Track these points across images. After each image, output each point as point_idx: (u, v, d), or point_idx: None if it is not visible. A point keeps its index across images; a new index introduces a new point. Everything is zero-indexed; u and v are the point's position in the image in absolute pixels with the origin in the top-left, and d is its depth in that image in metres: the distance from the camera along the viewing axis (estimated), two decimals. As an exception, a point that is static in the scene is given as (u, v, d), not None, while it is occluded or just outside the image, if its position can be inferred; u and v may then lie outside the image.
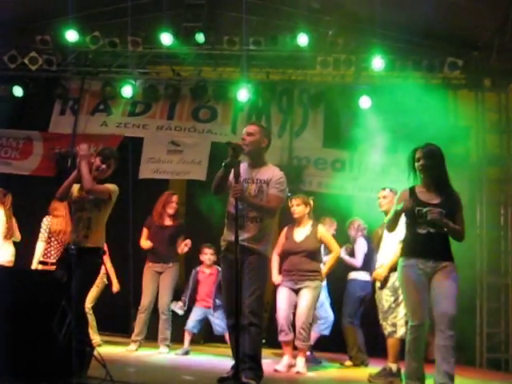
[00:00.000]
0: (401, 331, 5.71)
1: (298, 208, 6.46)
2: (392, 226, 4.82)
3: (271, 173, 4.85)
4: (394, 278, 5.71)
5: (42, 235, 7.22)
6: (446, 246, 4.61)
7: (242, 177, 4.68)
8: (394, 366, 5.78)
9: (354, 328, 7.22)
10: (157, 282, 7.26)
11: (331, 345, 7.86)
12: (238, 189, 4.51)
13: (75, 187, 5.08)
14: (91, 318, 7.01)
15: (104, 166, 5.13)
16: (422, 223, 4.55)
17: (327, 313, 7.39)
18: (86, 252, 4.90)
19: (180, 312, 7.50)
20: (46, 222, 7.27)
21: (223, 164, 4.67)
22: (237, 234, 4.31)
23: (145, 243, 7.36)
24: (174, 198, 7.49)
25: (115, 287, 7.60)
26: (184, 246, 7.25)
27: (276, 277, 6.40)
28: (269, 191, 4.77)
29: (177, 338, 7.47)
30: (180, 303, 7.51)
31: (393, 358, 5.80)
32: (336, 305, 7.50)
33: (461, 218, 4.65)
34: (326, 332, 7.30)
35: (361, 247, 7.35)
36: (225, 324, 7.11)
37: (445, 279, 4.49)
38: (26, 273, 5.15)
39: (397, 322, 5.79)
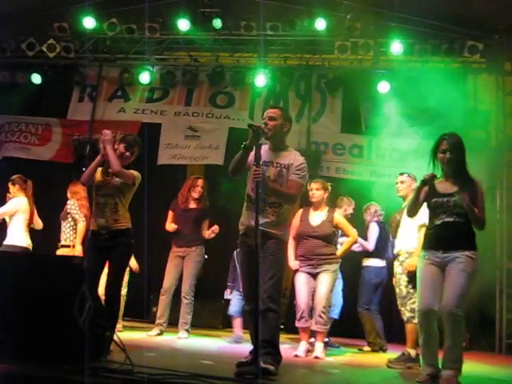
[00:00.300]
0: (419, 317, 5.68)
1: (317, 192, 6.43)
2: (412, 208, 4.84)
3: (292, 158, 4.77)
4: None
5: (79, 216, 7.05)
6: (461, 234, 4.56)
7: (262, 159, 4.57)
8: (412, 352, 5.78)
9: (370, 314, 7.24)
10: (180, 267, 7.31)
11: (347, 330, 7.87)
12: (259, 172, 4.41)
13: (98, 172, 5.14)
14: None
15: (128, 153, 5.19)
16: (439, 213, 4.59)
17: (338, 296, 7.38)
18: (119, 234, 5.04)
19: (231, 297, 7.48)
20: (75, 204, 7.07)
21: (243, 145, 4.59)
22: (257, 218, 4.27)
23: (169, 226, 7.45)
24: (200, 182, 7.55)
25: (134, 267, 7.35)
26: (211, 232, 7.29)
27: (293, 262, 6.38)
28: (289, 177, 4.69)
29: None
30: (228, 290, 7.52)
31: (411, 344, 5.80)
32: (351, 291, 7.48)
33: (480, 204, 4.58)
34: (336, 316, 7.21)
35: (373, 232, 7.36)
36: (237, 307, 7.17)
37: (453, 272, 4.48)
38: (45, 258, 5.19)
39: (415, 307, 5.76)
